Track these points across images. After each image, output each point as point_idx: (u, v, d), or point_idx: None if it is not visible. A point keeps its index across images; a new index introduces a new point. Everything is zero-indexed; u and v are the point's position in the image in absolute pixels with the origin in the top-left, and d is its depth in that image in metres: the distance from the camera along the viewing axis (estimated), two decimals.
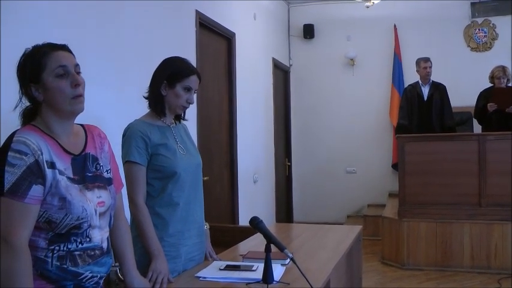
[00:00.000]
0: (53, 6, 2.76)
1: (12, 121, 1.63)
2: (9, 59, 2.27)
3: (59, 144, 1.59)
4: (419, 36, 7.28)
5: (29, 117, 1.61)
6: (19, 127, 1.60)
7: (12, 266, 1.44)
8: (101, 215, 1.65)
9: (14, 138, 1.51)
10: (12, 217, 1.46)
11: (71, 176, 1.59)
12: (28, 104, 1.61)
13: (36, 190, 1.50)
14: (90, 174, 1.66)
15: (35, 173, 1.50)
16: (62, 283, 1.56)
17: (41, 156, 1.51)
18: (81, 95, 1.60)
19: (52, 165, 1.54)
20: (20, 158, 1.48)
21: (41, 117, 1.60)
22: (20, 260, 1.46)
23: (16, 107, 1.61)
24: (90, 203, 1.61)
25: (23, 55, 1.60)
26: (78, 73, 1.61)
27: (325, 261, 2.36)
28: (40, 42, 1.64)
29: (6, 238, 1.45)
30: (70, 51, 1.63)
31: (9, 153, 1.48)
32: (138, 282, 1.86)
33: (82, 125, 1.75)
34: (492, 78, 5.66)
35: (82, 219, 1.57)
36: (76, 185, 1.59)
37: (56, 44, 1.62)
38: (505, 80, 5.57)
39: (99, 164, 1.71)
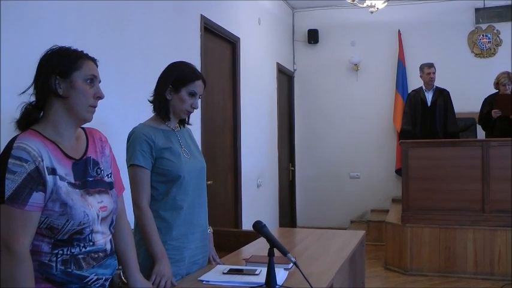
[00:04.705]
0: (58, 11, 2.78)
1: (12, 120, 1.63)
2: (8, 59, 2.30)
3: (60, 149, 1.59)
4: (423, 41, 7.29)
5: (31, 112, 1.60)
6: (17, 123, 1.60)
7: (14, 273, 1.45)
8: (103, 219, 1.66)
9: (15, 145, 1.51)
10: (13, 225, 1.47)
11: (72, 181, 1.59)
12: (29, 100, 1.61)
13: (37, 197, 1.50)
14: (91, 179, 1.66)
15: (36, 180, 1.50)
16: (67, 286, 1.56)
17: (41, 163, 1.51)
18: (95, 107, 1.65)
19: (53, 171, 1.54)
20: (21, 165, 1.48)
21: (46, 118, 1.60)
22: (21, 267, 1.46)
23: (25, 91, 1.61)
24: (92, 208, 1.61)
25: (53, 49, 1.62)
26: None
27: (328, 266, 2.36)
28: (43, 45, 1.65)
29: (7, 245, 1.46)
30: (97, 66, 1.69)
31: (10, 160, 1.48)
32: (141, 285, 1.86)
33: (83, 128, 1.75)
34: (497, 84, 5.64)
35: (84, 224, 1.57)
36: (77, 190, 1.59)
37: (88, 54, 1.67)
38: (510, 87, 5.55)
39: (100, 169, 1.71)
